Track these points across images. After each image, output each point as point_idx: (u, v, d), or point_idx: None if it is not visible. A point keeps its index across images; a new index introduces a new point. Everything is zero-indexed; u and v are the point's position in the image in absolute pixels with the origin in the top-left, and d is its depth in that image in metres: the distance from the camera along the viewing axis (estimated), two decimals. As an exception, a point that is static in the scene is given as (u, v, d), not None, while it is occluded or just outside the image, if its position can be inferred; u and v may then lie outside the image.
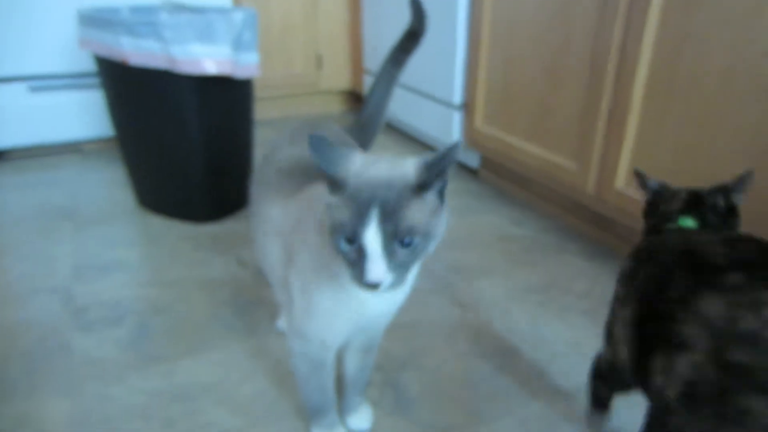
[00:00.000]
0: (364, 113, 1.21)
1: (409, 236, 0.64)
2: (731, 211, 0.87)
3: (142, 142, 1.75)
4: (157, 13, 1.78)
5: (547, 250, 1.63)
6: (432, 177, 0.65)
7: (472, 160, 2.22)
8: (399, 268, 0.66)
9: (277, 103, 2.97)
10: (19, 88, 2.19)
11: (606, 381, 0.94)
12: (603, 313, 1.14)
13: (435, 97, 2.23)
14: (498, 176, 2.09)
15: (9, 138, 2.24)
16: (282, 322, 1.26)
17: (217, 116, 1.68)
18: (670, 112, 1.32)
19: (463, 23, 1.99)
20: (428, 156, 0.66)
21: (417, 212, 0.65)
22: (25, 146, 2.31)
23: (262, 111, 2.90)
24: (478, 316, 1.33)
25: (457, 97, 2.09)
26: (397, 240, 0.64)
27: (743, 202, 0.88)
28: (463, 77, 2.07)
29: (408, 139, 2.66)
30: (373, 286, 0.65)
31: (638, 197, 1.39)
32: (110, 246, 1.64)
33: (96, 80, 2.25)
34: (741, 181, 0.88)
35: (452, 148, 0.64)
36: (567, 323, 1.31)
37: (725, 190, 0.88)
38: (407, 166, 0.67)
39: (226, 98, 1.69)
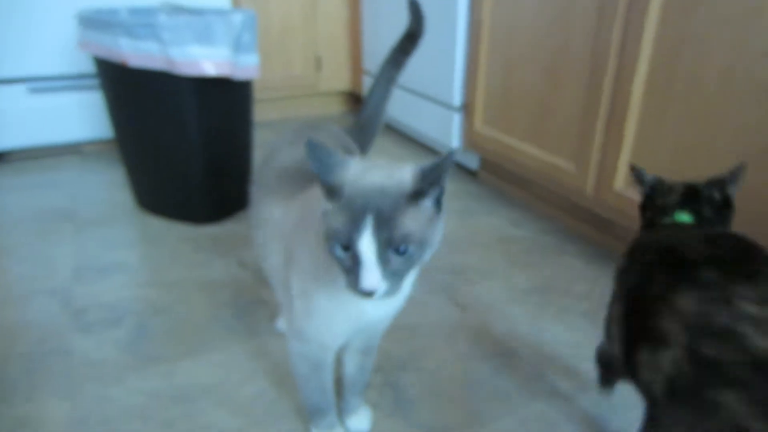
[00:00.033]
0: (363, 114, 1.21)
1: (404, 244, 0.64)
2: (726, 204, 0.89)
3: (142, 143, 1.75)
4: (156, 14, 1.79)
5: (547, 252, 1.63)
6: (428, 185, 0.64)
7: (472, 161, 2.22)
8: (394, 276, 0.66)
9: (277, 105, 2.97)
10: (19, 89, 2.19)
11: (607, 369, 1.01)
12: (602, 315, 1.15)
13: (434, 99, 2.23)
14: (497, 178, 2.09)
15: (8, 139, 2.24)
16: (282, 323, 1.26)
17: (217, 118, 1.68)
18: (670, 112, 1.32)
19: (463, 25, 1.99)
20: (425, 163, 0.66)
21: (412, 220, 0.65)
22: (24, 148, 2.31)
23: (261, 112, 2.90)
24: (478, 318, 1.33)
25: (457, 98, 2.10)
26: (392, 248, 0.64)
27: (739, 190, 0.91)
28: (463, 79, 2.07)
29: (407, 140, 2.67)
30: (368, 294, 0.65)
31: (637, 198, 1.39)
32: (110, 247, 1.64)
33: (95, 82, 2.25)
34: (735, 174, 0.90)
35: (449, 156, 0.63)
36: (566, 324, 1.31)
37: (721, 183, 0.90)
38: (403, 174, 0.67)
39: (226, 100, 1.69)
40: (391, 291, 0.67)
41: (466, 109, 2.08)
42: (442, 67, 2.12)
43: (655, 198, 0.93)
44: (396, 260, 0.65)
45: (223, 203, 1.83)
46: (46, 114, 2.26)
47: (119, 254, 1.60)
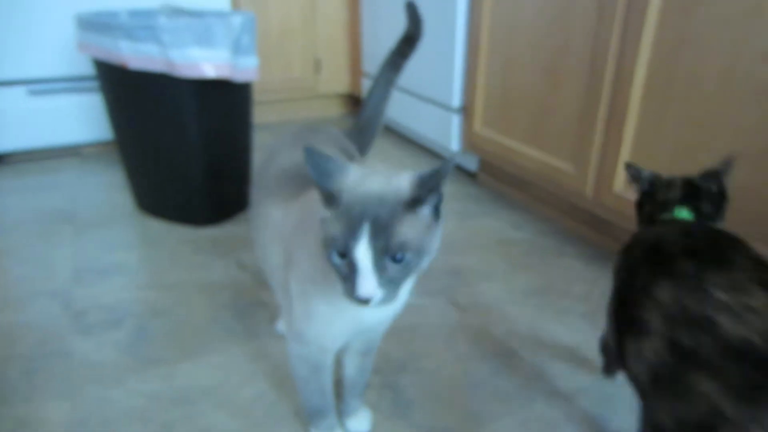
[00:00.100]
0: (362, 116, 1.21)
1: (401, 252, 0.64)
2: (722, 195, 0.92)
3: (141, 145, 1.75)
4: (155, 17, 1.79)
5: (546, 253, 1.64)
6: (426, 192, 0.64)
7: (471, 163, 2.22)
8: (390, 283, 0.66)
9: (276, 107, 2.98)
10: (19, 91, 2.19)
11: (609, 358, 1.10)
12: (601, 316, 1.15)
13: (434, 101, 2.24)
14: (497, 179, 2.10)
15: (8, 141, 2.24)
16: (281, 325, 1.27)
17: (216, 120, 1.68)
18: (669, 114, 1.33)
19: (462, 27, 2.00)
20: (423, 170, 0.66)
21: (409, 228, 0.65)
22: (24, 150, 2.31)
23: (260, 115, 2.90)
24: (477, 319, 1.33)
25: (456, 100, 2.10)
26: (389, 256, 0.64)
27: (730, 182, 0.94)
28: (462, 81, 2.07)
29: (407, 142, 2.67)
30: (364, 302, 0.65)
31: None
32: (110, 249, 1.64)
33: (95, 84, 2.26)
34: (728, 165, 0.93)
35: (447, 163, 0.63)
36: (566, 325, 1.31)
37: (716, 175, 0.92)
38: (401, 181, 0.66)
39: (225, 102, 1.69)
40: (388, 299, 0.67)
41: (466, 110, 2.08)
42: (442, 68, 2.12)
43: (656, 193, 0.94)
44: (393, 268, 0.65)
45: (223, 205, 1.83)
46: (45, 116, 2.27)
47: (119, 256, 1.60)
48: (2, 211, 1.89)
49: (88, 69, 2.23)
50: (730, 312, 0.65)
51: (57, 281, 1.47)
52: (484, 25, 1.90)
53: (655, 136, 1.37)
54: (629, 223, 1.48)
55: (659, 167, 1.36)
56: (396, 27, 2.38)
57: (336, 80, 2.98)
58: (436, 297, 1.42)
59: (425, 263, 0.69)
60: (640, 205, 0.97)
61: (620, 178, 1.48)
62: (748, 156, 1.18)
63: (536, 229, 1.79)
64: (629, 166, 0.98)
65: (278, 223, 0.88)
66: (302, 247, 0.81)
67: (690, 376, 0.65)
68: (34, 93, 2.22)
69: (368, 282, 0.64)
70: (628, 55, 1.38)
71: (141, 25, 1.50)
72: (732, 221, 1.07)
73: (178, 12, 1.96)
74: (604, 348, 1.09)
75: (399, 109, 2.50)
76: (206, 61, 1.53)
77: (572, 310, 1.37)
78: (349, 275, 0.66)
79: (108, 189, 2.08)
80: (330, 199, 0.67)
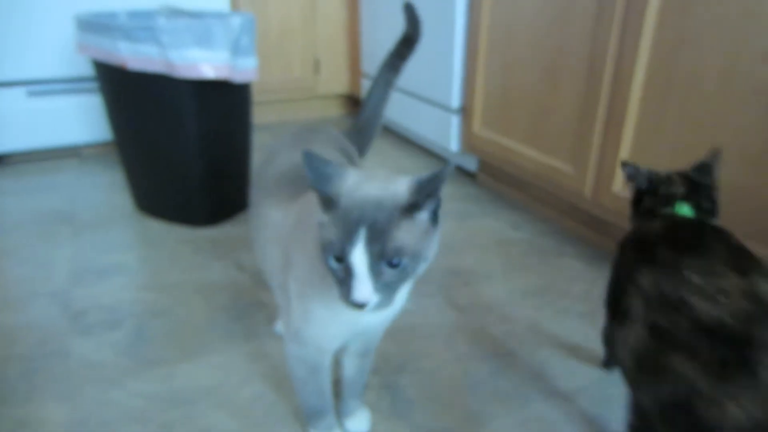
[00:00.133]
0: (361, 117, 1.21)
1: (397, 257, 0.64)
2: (715, 189, 0.94)
3: (141, 146, 1.75)
4: (155, 18, 1.79)
5: (545, 254, 1.64)
6: (424, 198, 0.64)
7: (470, 164, 2.23)
8: (386, 288, 0.66)
9: (275, 108, 2.98)
10: (18, 92, 2.19)
11: (610, 348, 1.12)
12: (601, 316, 1.15)
13: (433, 101, 2.24)
14: (496, 180, 2.10)
15: (8, 142, 2.24)
16: (280, 326, 1.27)
17: (216, 120, 1.68)
18: (667, 114, 1.33)
19: (462, 27, 2.00)
20: (421, 175, 0.66)
21: (406, 233, 0.65)
22: (23, 151, 2.31)
23: (260, 115, 2.90)
24: (476, 319, 1.33)
25: (455, 101, 2.10)
26: (385, 261, 0.64)
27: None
28: (461, 81, 2.07)
29: (406, 142, 2.67)
30: (359, 306, 0.65)
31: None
32: (109, 250, 1.64)
33: (94, 85, 2.26)
34: (716, 158, 0.95)
35: (445, 169, 0.63)
36: (565, 326, 1.31)
37: (708, 168, 0.95)
38: (399, 186, 0.67)
39: (224, 102, 1.69)
40: (384, 303, 0.67)
41: (465, 111, 2.08)
42: (441, 69, 2.13)
43: (657, 189, 0.95)
44: (389, 273, 0.65)
45: (222, 206, 1.83)
46: (45, 117, 2.27)
47: (118, 257, 1.60)
48: (1, 211, 1.89)
49: (87, 70, 2.23)
50: (704, 294, 0.68)
51: (56, 282, 1.47)
52: (483, 25, 1.90)
53: (654, 137, 1.37)
54: (628, 222, 1.48)
55: (658, 167, 1.36)
56: (395, 27, 2.39)
57: (335, 81, 2.98)
58: (434, 297, 1.42)
59: (422, 268, 0.69)
60: (638, 201, 0.98)
61: (619, 178, 1.48)
62: (747, 156, 1.18)
63: (535, 229, 1.79)
64: (625, 165, 0.99)
65: (277, 224, 0.88)
66: (301, 248, 0.81)
67: (668, 357, 0.67)
68: (33, 94, 2.22)
69: (364, 287, 0.64)
70: (627, 56, 1.38)
71: (140, 26, 1.50)
72: (731, 220, 1.07)
73: (177, 13, 1.96)
74: (607, 340, 1.11)
75: (398, 110, 2.50)
76: (205, 62, 1.53)
77: (571, 310, 1.37)
78: (345, 279, 0.66)
79: (107, 189, 2.08)
80: (328, 203, 0.67)
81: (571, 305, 1.39)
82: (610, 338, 1.08)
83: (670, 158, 1.34)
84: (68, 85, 2.27)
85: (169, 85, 1.56)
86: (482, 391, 1.11)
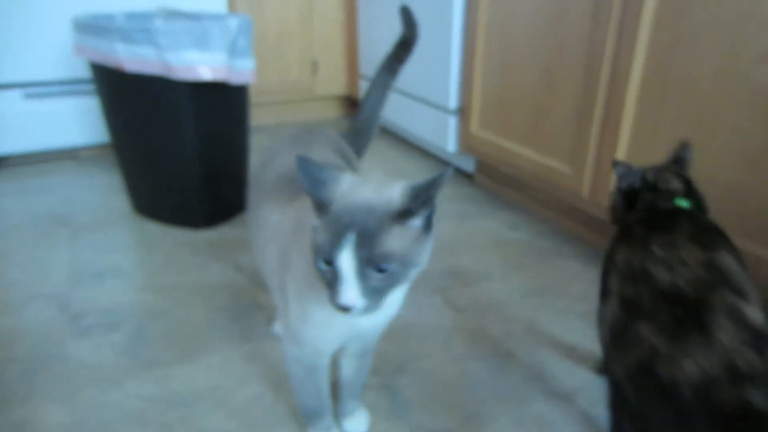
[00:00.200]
0: (359, 119, 1.22)
1: (385, 263, 0.64)
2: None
3: (138, 148, 1.75)
4: (152, 20, 1.79)
5: (543, 254, 1.64)
6: (418, 204, 0.64)
7: (468, 164, 2.23)
8: (374, 293, 0.66)
9: (273, 109, 2.98)
10: (15, 95, 2.19)
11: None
12: (598, 316, 1.15)
13: (430, 102, 2.24)
14: (493, 180, 2.10)
15: (5, 145, 2.24)
16: (278, 327, 1.27)
17: (213, 122, 1.68)
18: (664, 114, 1.33)
19: (459, 28, 2.00)
20: (416, 182, 0.66)
21: (396, 239, 0.64)
22: (21, 153, 2.31)
23: (257, 117, 2.90)
24: (475, 319, 1.34)
25: (453, 101, 2.10)
26: (372, 266, 0.64)
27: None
28: (459, 82, 2.08)
29: (404, 143, 2.67)
30: (345, 309, 0.65)
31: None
32: (106, 252, 1.64)
33: (91, 87, 2.26)
34: (688, 150, 1.01)
35: (441, 176, 0.63)
36: (563, 326, 1.31)
37: (685, 162, 1.00)
38: (393, 191, 0.66)
39: (222, 104, 1.69)
40: (371, 308, 0.67)
41: (462, 112, 2.08)
42: (438, 70, 2.13)
43: (657, 184, 0.96)
44: (376, 278, 0.65)
45: (220, 207, 1.83)
46: (42, 119, 2.26)
47: (116, 259, 1.60)
48: (-1, 214, 1.89)
49: (84, 72, 2.23)
50: (665, 264, 0.74)
51: (54, 284, 1.47)
52: (481, 26, 1.90)
53: (650, 137, 1.38)
54: (613, 221, 1.49)
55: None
56: (393, 29, 2.39)
57: (333, 82, 2.99)
58: (433, 297, 1.42)
59: (413, 274, 0.69)
60: (632, 198, 0.99)
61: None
62: (744, 156, 1.18)
63: (533, 229, 1.80)
64: (617, 164, 1.01)
65: (275, 226, 0.88)
66: (299, 250, 0.81)
67: (633, 325, 0.72)
68: (30, 96, 2.22)
69: (350, 290, 0.64)
70: (624, 57, 1.39)
71: (137, 28, 1.50)
72: (729, 220, 1.07)
73: (174, 15, 1.96)
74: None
75: (396, 111, 2.50)
76: (203, 64, 1.53)
77: (570, 310, 1.37)
78: (332, 283, 0.66)
79: (105, 192, 2.08)
80: (321, 207, 0.67)
81: (569, 305, 1.39)
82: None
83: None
84: (65, 87, 2.27)
85: (166, 86, 1.56)
86: (481, 391, 1.11)
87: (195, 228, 1.78)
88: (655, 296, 0.72)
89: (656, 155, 1.37)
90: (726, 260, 0.74)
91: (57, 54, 2.21)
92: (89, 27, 1.61)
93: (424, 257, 0.69)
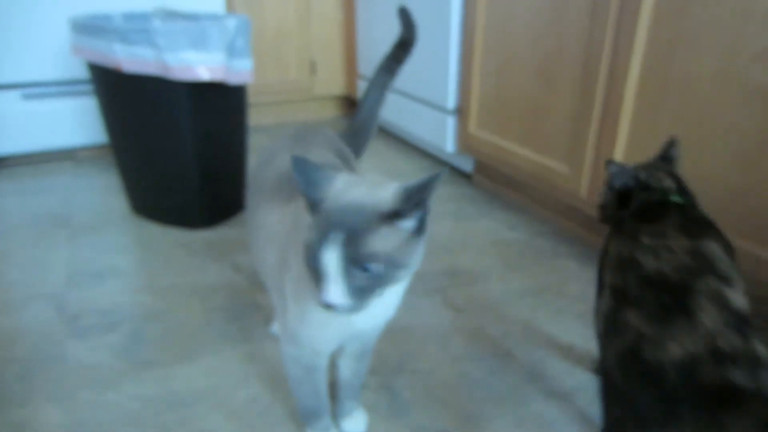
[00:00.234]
0: (357, 119, 1.22)
1: (370, 263, 0.64)
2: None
3: (136, 148, 1.75)
4: (150, 20, 1.79)
5: (541, 254, 1.64)
6: (409, 206, 0.64)
7: (466, 164, 2.23)
8: (360, 293, 0.66)
9: (272, 109, 2.98)
10: (13, 95, 2.19)
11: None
12: (596, 315, 1.15)
13: (429, 102, 2.24)
14: (492, 180, 2.10)
15: (3, 145, 2.23)
16: (276, 327, 1.26)
17: (211, 122, 1.68)
18: (662, 114, 1.33)
19: (457, 28, 2.00)
20: (410, 183, 0.66)
21: (383, 240, 0.64)
22: (18, 153, 2.31)
23: (256, 117, 2.90)
24: (473, 320, 1.34)
25: (451, 101, 2.10)
26: (357, 265, 0.64)
27: None
28: (457, 82, 2.08)
29: (402, 143, 2.67)
30: (329, 307, 0.66)
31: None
32: (104, 252, 1.64)
33: (89, 87, 2.26)
34: (676, 147, 1.02)
35: (434, 178, 0.63)
36: (561, 326, 1.31)
37: (673, 160, 1.02)
38: (384, 192, 0.67)
39: (220, 104, 1.69)
40: (357, 307, 0.67)
41: (460, 112, 2.08)
42: (436, 70, 2.13)
43: (650, 183, 0.97)
44: (361, 277, 0.65)
45: (218, 208, 1.83)
46: (40, 120, 2.26)
47: (114, 259, 1.60)
48: (-3, 215, 1.88)
49: (82, 72, 2.23)
50: (651, 252, 0.77)
51: (52, 285, 1.47)
52: (479, 26, 1.90)
53: (648, 137, 1.38)
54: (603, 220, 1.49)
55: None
56: (391, 29, 2.39)
57: (331, 82, 2.99)
58: (431, 298, 1.42)
59: (402, 276, 0.68)
60: (627, 197, 0.99)
61: (614, 178, 1.48)
62: (742, 156, 1.18)
63: (531, 229, 1.80)
64: (610, 163, 1.01)
65: (274, 226, 0.88)
66: (297, 250, 0.81)
67: (622, 312, 0.74)
68: (28, 97, 2.21)
69: (334, 288, 0.65)
70: (622, 56, 1.39)
71: (135, 28, 1.50)
72: (726, 219, 1.07)
73: (172, 15, 1.96)
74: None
75: (394, 111, 2.50)
76: (201, 64, 1.53)
77: (568, 310, 1.37)
78: (319, 281, 0.67)
79: (103, 192, 2.08)
80: (313, 207, 0.67)
81: (567, 305, 1.39)
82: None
83: (665, 158, 1.34)
84: (63, 87, 2.27)
85: (164, 87, 1.56)
86: (479, 391, 1.11)
87: (193, 228, 1.78)
88: (642, 283, 0.74)
89: (654, 154, 1.37)
90: (711, 248, 0.76)
91: (55, 54, 2.20)
92: (87, 27, 1.61)
93: (414, 259, 0.68)
